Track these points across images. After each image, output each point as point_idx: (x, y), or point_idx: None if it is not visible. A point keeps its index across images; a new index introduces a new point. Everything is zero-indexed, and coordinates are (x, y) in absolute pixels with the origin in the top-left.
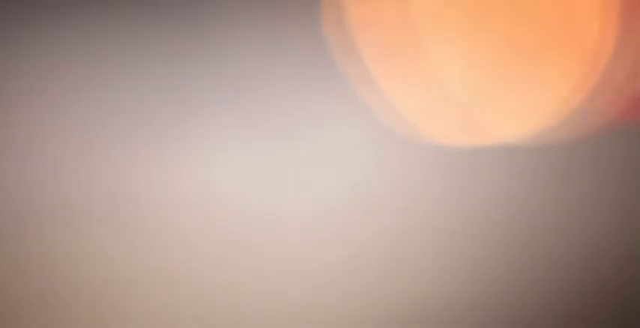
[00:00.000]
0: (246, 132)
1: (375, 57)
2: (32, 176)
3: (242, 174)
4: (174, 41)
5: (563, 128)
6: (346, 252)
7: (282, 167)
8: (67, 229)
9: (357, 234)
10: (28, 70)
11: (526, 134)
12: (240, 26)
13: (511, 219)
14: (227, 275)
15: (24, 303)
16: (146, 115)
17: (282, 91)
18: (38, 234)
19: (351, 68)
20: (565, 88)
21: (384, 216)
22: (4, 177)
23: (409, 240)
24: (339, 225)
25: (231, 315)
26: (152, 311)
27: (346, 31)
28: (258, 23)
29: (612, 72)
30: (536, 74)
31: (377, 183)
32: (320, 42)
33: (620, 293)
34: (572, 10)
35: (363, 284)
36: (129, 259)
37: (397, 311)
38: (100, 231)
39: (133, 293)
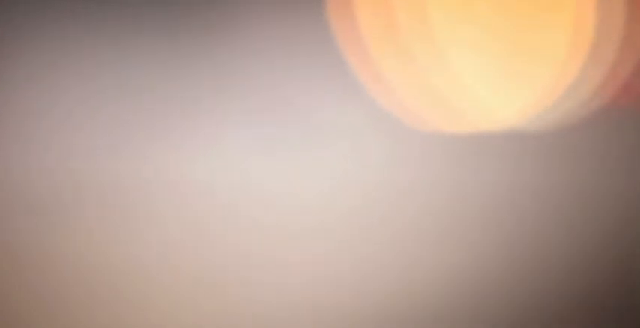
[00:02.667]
0: (247, 121)
1: (379, 43)
2: (25, 170)
3: (244, 163)
4: (174, 32)
5: (557, 113)
6: (351, 242)
7: (282, 154)
8: (62, 224)
9: (360, 222)
10: (25, 61)
11: (521, 120)
12: (242, 15)
13: (512, 206)
14: (227, 267)
15: (16, 296)
16: (144, 105)
17: (283, 78)
18: (31, 229)
19: (355, 55)
20: (556, 74)
21: (386, 203)
22: None
23: (410, 227)
24: (343, 215)
25: (224, 310)
26: (146, 305)
27: (350, 19)
28: (260, 12)
29: (600, 57)
30: (529, 59)
31: (379, 171)
32: (324, 29)
33: (623, 280)
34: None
35: (364, 271)
36: (125, 252)
37: (398, 303)
38: (99, 224)
39: (128, 286)
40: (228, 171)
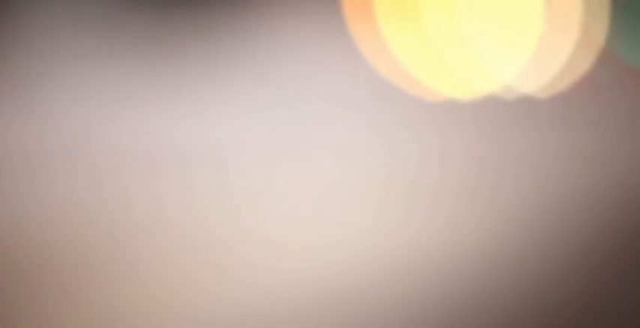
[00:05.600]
0: (253, 89)
1: (384, 15)
2: (50, 130)
3: (249, 131)
4: (185, 10)
5: (547, 77)
6: (353, 211)
7: (286, 123)
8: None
9: (364, 191)
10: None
11: (517, 83)
12: None
13: (505, 176)
14: (228, 231)
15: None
16: (155, 73)
17: (288, 48)
18: (45, 188)
19: (360, 24)
20: (545, 45)
21: (390, 171)
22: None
23: (404, 193)
24: (343, 186)
25: (228, 288)
26: (149, 282)
27: None
28: None
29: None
30: (521, 33)
31: (384, 140)
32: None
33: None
34: None
35: (369, 246)
36: (132, 216)
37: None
38: (110, 188)
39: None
40: (238, 136)
